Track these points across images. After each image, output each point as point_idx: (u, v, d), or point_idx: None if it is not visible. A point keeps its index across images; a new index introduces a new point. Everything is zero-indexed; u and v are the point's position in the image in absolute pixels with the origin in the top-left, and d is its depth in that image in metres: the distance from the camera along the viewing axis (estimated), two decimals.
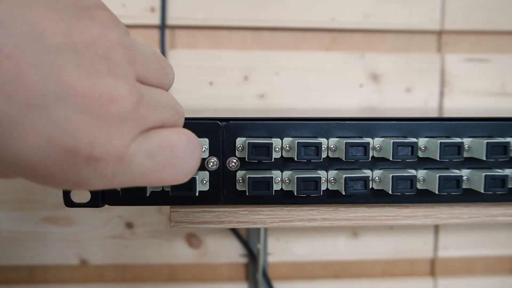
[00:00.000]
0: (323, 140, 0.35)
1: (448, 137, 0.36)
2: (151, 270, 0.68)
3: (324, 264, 0.70)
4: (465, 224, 0.39)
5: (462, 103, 0.68)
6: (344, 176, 0.34)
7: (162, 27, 0.63)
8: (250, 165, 0.35)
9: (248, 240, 0.66)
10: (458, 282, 0.71)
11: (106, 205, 0.65)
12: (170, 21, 0.64)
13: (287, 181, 0.35)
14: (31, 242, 0.64)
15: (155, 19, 0.63)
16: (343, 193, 0.34)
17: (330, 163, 0.36)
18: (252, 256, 0.66)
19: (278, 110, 0.64)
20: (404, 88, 0.67)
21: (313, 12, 0.65)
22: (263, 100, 0.65)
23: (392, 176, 0.34)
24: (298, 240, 0.68)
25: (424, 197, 0.37)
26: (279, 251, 0.68)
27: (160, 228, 0.66)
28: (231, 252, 0.67)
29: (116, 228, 0.65)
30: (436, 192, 0.34)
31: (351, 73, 0.67)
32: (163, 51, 0.63)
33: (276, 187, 0.35)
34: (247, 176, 0.34)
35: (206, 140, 0.35)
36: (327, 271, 0.70)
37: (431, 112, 0.67)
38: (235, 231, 0.66)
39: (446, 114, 0.63)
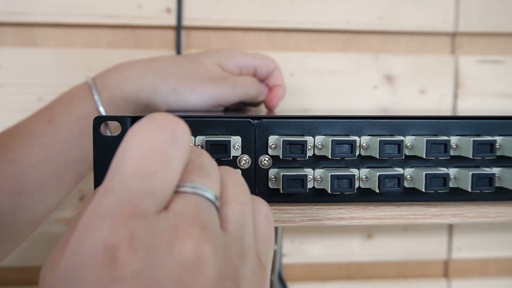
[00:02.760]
0: (355, 138, 0.35)
1: (478, 135, 0.36)
2: None
3: (338, 266, 0.70)
4: (492, 223, 0.39)
5: (476, 104, 0.68)
6: (378, 174, 0.34)
7: (178, 28, 0.63)
8: (282, 163, 0.35)
9: None
10: (472, 283, 0.71)
11: None
12: (185, 22, 0.64)
13: (319, 179, 0.35)
14: (45, 244, 0.64)
15: (171, 20, 0.63)
16: (377, 191, 0.34)
17: (362, 161, 0.36)
18: None
19: (293, 111, 0.64)
20: (418, 89, 0.67)
21: (327, 14, 0.65)
22: None
23: (426, 173, 0.34)
24: (313, 241, 0.68)
25: (455, 195, 0.37)
26: (293, 252, 0.68)
27: None
28: None
29: None
30: (469, 190, 0.34)
31: (365, 74, 0.67)
32: (178, 52, 0.63)
33: (309, 185, 0.35)
34: (281, 173, 0.34)
35: (239, 138, 0.35)
36: (341, 272, 0.70)
37: (445, 113, 0.67)
38: None
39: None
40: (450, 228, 0.69)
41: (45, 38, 0.64)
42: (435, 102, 0.68)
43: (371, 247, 0.69)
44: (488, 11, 0.67)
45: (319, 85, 0.66)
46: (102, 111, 0.47)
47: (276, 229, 0.62)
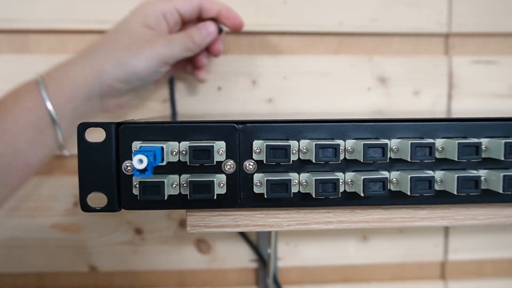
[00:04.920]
0: (340, 142, 0.35)
1: (464, 137, 0.36)
2: (160, 276, 0.67)
3: (334, 268, 0.70)
4: (481, 225, 0.39)
5: (470, 105, 0.68)
6: (363, 177, 0.34)
7: None
8: (267, 167, 0.35)
9: (258, 245, 0.66)
10: (468, 285, 0.70)
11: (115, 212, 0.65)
12: None
13: (304, 183, 0.35)
14: (40, 249, 0.64)
15: None
16: (362, 194, 0.34)
17: (347, 164, 0.36)
18: (262, 261, 0.66)
19: (286, 114, 0.64)
20: (412, 91, 0.67)
21: (320, 17, 0.65)
22: (271, 104, 0.65)
23: (411, 177, 0.34)
24: (308, 244, 0.68)
25: (441, 198, 0.36)
26: (289, 255, 0.67)
27: (169, 234, 0.66)
28: (240, 257, 0.67)
29: (125, 234, 0.65)
30: (455, 193, 0.34)
31: (359, 76, 0.67)
32: None
33: (294, 189, 0.35)
34: (265, 178, 0.34)
35: (223, 143, 0.35)
36: (337, 275, 0.70)
37: (439, 115, 0.67)
38: (245, 236, 0.66)
39: (455, 116, 0.63)
40: (446, 230, 0.69)
41: (38, 44, 0.64)
42: (429, 103, 0.67)
43: (366, 249, 0.68)
44: (481, 12, 0.67)
45: (312, 88, 0.66)
46: (49, 105, 0.49)
47: (270, 232, 0.62)
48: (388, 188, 0.35)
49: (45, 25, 0.63)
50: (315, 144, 0.33)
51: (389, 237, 0.69)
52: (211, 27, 0.56)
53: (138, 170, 0.28)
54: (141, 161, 0.28)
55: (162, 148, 0.33)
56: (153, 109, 0.64)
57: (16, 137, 0.48)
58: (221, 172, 0.35)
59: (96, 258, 0.65)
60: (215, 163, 0.34)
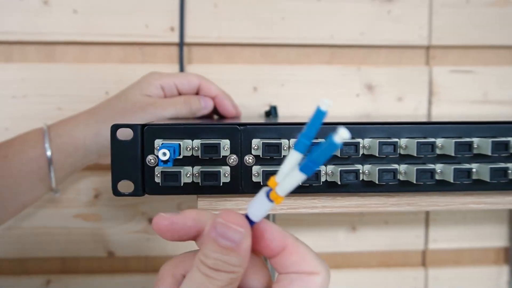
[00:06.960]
0: (320, 141, 0.43)
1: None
2: None
3: (326, 256, 0.77)
4: (441, 211, 0.46)
5: (448, 110, 0.76)
6: (340, 169, 0.42)
7: (181, 44, 0.71)
8: (263, 161, 0.43)
9: None
10: (447, 272, 0.78)
11: (132, 203, 0.72)
12: (187, 39, 0.72)
13: None
14: (64, 236, 0.72)
15: (175, 38, 0.71)
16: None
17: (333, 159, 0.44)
18: None
19: (284, 117, 0.72)
20: (396, 97, 0.75)
21: (314, 30, 0.73)
22: None
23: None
24: (301, 233, 0.75)
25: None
26: None
27: None
28: None
29: (139, 224, 0.73)
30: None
31: (348, 84, 0.74)
32: (181, 66, 0.71)
33: None
34: (262, 169, 0.42)
35: (228, 141, 0.43)
36: (328, 262, 0.76)
37: (421, 119, 0.75)
38: None
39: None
40: (427, 221, 0.77)
41: (64, 55, 0.72)
42: (411, 109, 0.75)
43: (355, 239, 0.76)
44: (459, 26, 0.75)
45: (307, 95, 0.74)
46: (49, 156, 0.55)
47: (268, 216, 0.70)
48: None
49: (69, 37, 0.71)
50: None
51: (376, 228, 0.76)
52: (210, 103, 0.61)
53: (162, 161, 0.37)
54: (165, 154, 0.36)
55: (180, 144, 0.41)
56: None
57: (19, 182, 0.55)
58: (226, 164, 0.43)
59: (114, 245, 0.73)
60: (221, 157, 0.42)
